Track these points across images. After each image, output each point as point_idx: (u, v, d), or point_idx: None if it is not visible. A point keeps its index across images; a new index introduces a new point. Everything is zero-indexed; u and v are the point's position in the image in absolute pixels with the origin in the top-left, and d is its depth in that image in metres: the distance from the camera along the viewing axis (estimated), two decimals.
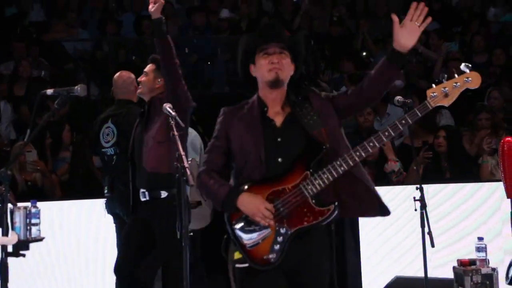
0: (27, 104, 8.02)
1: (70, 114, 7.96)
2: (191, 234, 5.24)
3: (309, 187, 3.28)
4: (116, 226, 5.63)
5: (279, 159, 3.34)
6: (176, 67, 4.67)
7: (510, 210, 5.05)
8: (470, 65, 3.33)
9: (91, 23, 10.30)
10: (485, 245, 5.28)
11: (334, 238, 5.82)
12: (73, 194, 6.86)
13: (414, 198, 4.86)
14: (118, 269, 4.88)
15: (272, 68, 3.36)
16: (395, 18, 3.26)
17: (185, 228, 3.89)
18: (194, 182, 3.53)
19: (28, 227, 4.53)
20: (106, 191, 5.62)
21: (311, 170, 3.30)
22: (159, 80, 4.91)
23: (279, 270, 3.31)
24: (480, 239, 5.32)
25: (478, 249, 5.27)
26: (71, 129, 7.45)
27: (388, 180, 6.51)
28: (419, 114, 3.29)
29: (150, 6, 4.54)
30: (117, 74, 5.74)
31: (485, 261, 5.25)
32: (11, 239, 4.09)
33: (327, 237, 3.45)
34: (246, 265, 3.33)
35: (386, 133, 3.29)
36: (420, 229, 4.79)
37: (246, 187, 3.34)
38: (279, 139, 3.37)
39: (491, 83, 8.38)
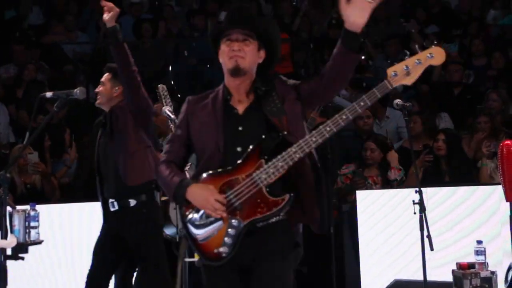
0: (26, 107, 8.01)
1: (69, 117, 7.95)
2: None
3: (263, 176, 3.07)
4: None
5: (238, 149, 3.15)
6: (135, 74, 4.61)
7: (509, 214, 5.04)
8: (435, 41, 3.19)
9: (91, 25, 10.30)
10: (484, 248, 5.26)
11: (333, 241, 5.88)
12: (72, 197, 6.84)
13: (413, 201, 4.86)
14: (89, 284, 4.84)
15: (232, 55, 3.20)
16: None
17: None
18: None
19: (27, 230, 4.54)
20: None
21: (266, 157, 3.09)
22: (117, 88, 4.84)
23: (231, 264, 3.12)
24: (479, 242, 5.31)
25: (477, 253, 5.25)
26: (70, 132, 7.45)
27: (388, 183, 6.51)
28: (378, 95, 3.11)
29: (105, 15, 4.44)
30: None
31: (484, 265, 5.24)
32: (10, 242, 4.08)
33: (289, 238, 3.20)
34: (196, 259, 3.19)
35: (344, 116, 3.08)
36: (419, 232, 4.80)
37: (199, 178, 3.16)
38: (240, 128, 3.19)
39: (490, 86, 8.37)
